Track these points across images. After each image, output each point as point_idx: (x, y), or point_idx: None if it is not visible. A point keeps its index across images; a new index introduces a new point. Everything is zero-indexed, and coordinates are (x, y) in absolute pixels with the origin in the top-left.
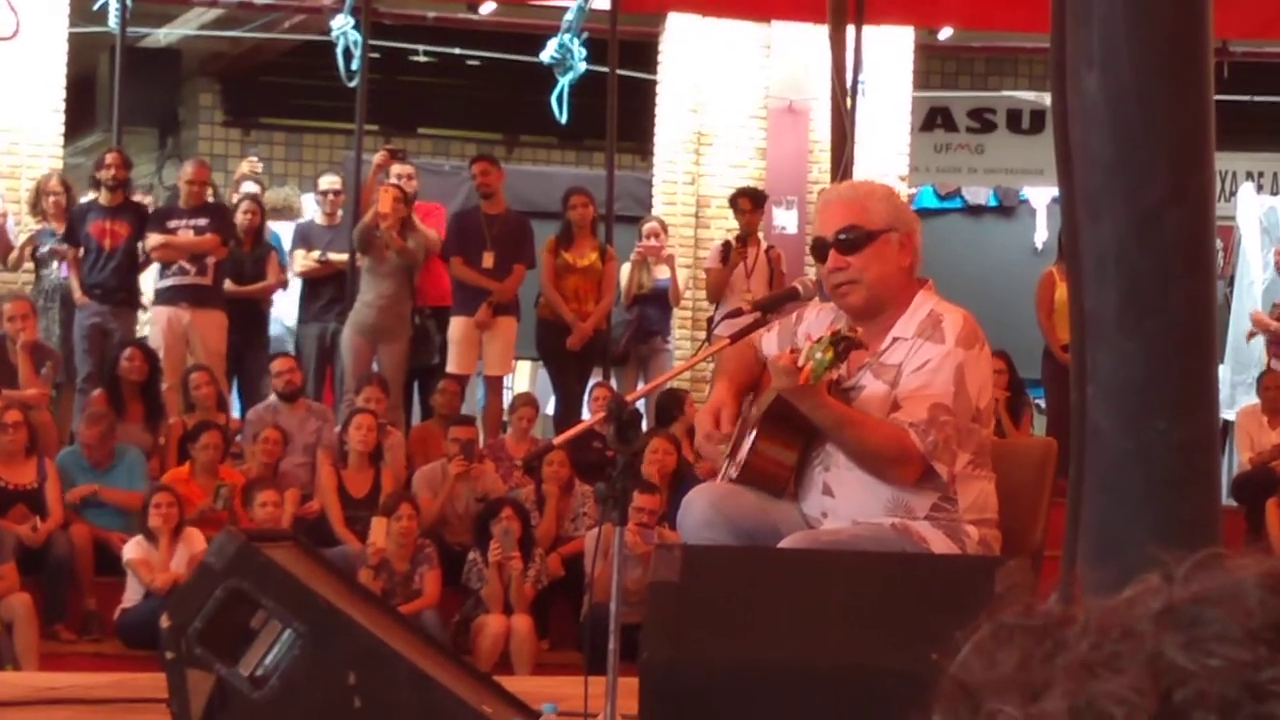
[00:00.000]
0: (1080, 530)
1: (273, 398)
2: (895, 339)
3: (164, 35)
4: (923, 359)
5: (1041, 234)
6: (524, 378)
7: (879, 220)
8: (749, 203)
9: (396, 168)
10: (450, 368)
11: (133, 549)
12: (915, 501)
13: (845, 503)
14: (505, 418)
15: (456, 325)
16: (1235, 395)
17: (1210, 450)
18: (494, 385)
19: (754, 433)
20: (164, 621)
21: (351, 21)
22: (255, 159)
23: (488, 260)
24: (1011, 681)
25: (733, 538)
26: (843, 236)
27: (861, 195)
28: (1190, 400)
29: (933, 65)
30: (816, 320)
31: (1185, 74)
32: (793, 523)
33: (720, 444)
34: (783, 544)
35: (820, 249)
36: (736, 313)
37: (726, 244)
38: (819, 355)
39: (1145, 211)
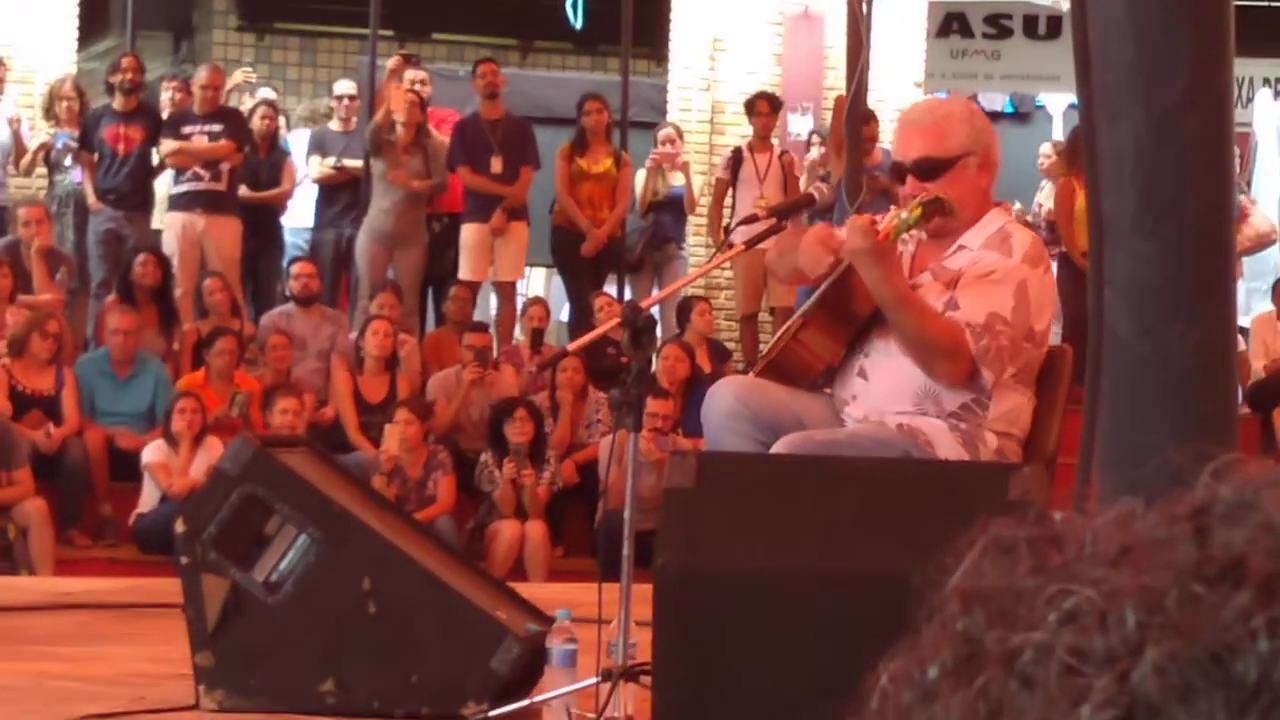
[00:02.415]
0: (1096, 436)
1: (287, 304)
2: (961, 247)
3: None
4: (988, 268)
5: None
6: (538, 284)
7: (956, 146)
8: (766, 105)
9: (410, 73)
10: (462, 274)
11: (152, 453)
12: (946, 396)
13: (877, 387)
14: (518, 323)
15: (469, 232)
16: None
17: (1227, 353)
18: (506, 291)
19: (800, 320)
20: (179, 527)
21: None
22: (249, 69)
23: (496, 165)
24: (1030, 586)
25: (756, 430)
26: (920, 164)
27: (940, 119)
28: (1208, 304)
29: None
30: None
31: None
32: (819, 415)
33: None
34: (778, 446)
35: (899, 172)
36: (752, 219)
37: (736, 151)
38: (905, 215)
39: (1164, 113)
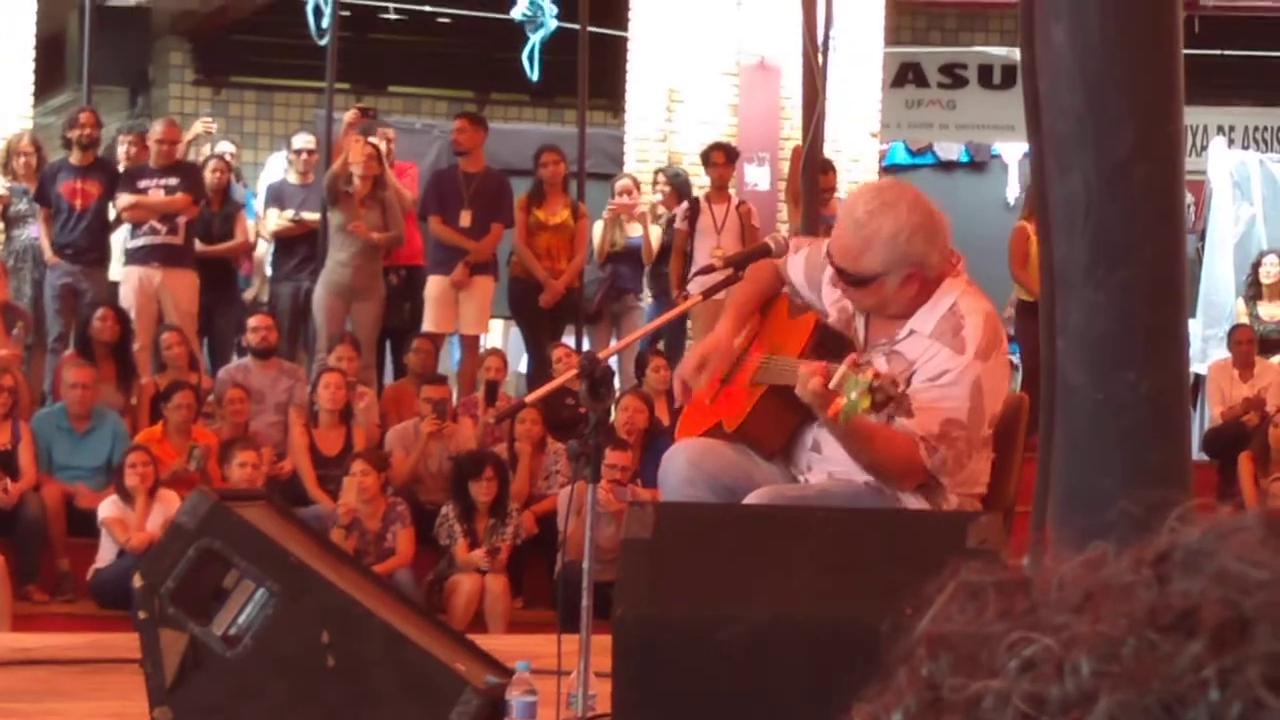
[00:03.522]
0: (1051, 484)
1: (244, 357)
2: (912, 331)
3: None
4: (940, 368)
5: (1013, 189)
6: (496, 336)
7: (873, 267)
8: (722, 156)
9: (378, 134)
10: (426, 326)
11: (108, 508)
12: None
13: (831, 459)
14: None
15: (433, 284)
16: (1206, 349)
17: (1180, 401)
18: (470, 345)
19: (759, 395)
20: (137, 581)
21: None
22: (209, 119)
23: (465, 219)
24: (994, 632)
25: (712, 494)
26: (839, 271)
27: (865, 237)
28: (1160, 352)
29: (904, 21)
30: None
31: (1153, 26)
32: (773, 479)
33: (692, 388)
34: (750, 498)
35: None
36: (708, 269)
37: (694, 201)
38: (854, 396)
39: (1115, 164)
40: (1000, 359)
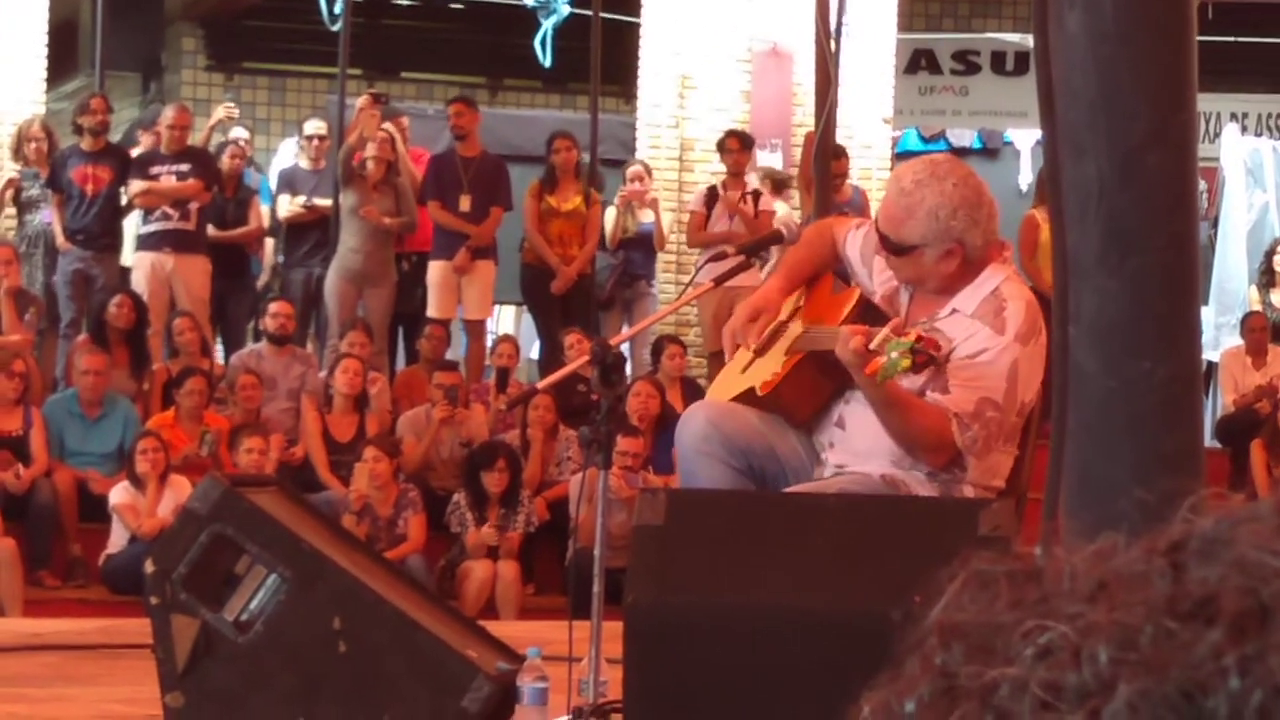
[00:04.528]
0: (1063, 472)
1: (257, 343)
2: (955, 310)
3: None
4: (979, 346)
5: (1026, 176)
6: (508, 322)
7: (913, 237)
8: (737, 143)
9: (389, 124)
10: (430, 312)
11: (119, 494)
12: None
13: (855, 440)
14: (487, 361)
15: (435, 269)
16: (1219, 337)
17: (1193, 388)
18: (474, 329)
19: (795, 360)
20: (148, 567)
21: None
22: (231, 104)
23: (465, 203)
24: (1007, 621)
25: (728, 454)
26: (882, 238)
27: (907, 206)
28: (1173, 339)
29: (916, 7)
30: None
31: (1167, 12)
32: (789, 447)
33: (742, 347)
34: None
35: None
36: (720, 256)
37: (711, 188)
38: (895, 355)
39: (1128, 151)
40: (1038, 348)
